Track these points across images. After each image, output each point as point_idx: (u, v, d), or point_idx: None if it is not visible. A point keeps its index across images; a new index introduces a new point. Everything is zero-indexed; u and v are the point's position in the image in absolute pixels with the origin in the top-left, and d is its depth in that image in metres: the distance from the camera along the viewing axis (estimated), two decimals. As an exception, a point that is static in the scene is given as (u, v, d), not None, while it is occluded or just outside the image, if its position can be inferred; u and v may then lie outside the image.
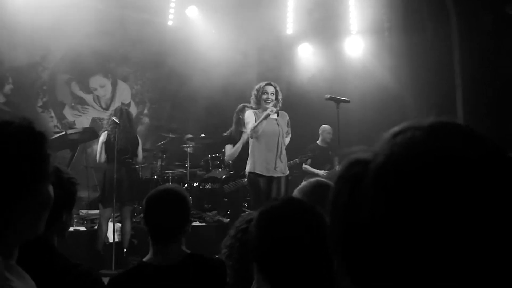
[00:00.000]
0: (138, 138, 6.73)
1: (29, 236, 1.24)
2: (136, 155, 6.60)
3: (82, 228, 6.87)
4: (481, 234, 0.60)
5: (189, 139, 8.59)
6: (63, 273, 1.91)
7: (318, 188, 2.37)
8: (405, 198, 0.61)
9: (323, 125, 8.10)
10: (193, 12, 9.73)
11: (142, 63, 10.12)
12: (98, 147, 6.40)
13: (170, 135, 8.52)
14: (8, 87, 7.02)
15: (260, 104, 5.86)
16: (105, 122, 6.53)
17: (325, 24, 9.00)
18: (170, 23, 9.69)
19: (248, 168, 5.84)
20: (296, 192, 2.46)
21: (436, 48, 7.72)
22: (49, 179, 1.27)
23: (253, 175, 5.76)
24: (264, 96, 5.81)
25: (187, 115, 10.13)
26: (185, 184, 8.12)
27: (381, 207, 0.63)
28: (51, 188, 1.28)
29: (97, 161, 6.46)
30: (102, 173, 6.52)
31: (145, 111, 10.21)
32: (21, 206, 1.18)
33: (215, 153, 8.38)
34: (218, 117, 9.67)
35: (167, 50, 9.64)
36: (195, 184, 8.06)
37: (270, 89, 5.85)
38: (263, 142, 5.79)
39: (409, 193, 0.61)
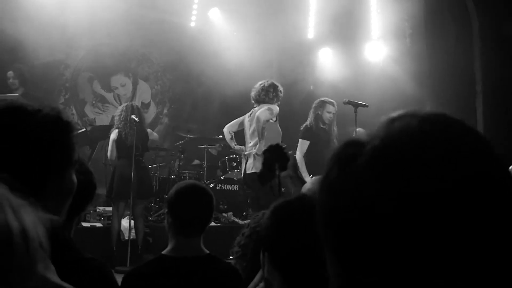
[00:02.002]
0: (149, 132, 6.82)
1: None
2: (146, 151, 6.70)
3: (99, 225, 6.95)
4: (475, 226, 0.59)
5: (216, 140, 8.66)
6: (75, 266, 1.94)
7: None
8: (397, 182, 0.60)
9: (358, 129, 7.84)
10: (215, 14, 9.80)
11: (163, 64, 10.21)
12: (110, 145, 6.46)
13: (189, 135, 8.58)
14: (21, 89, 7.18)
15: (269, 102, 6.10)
16: (116, 119, 6.57)
17: (346, 29, 8.99)
18: (192, 24, 9.76)
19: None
20: (305, 189, 2.48)
21: (457, 54, 7.66)
22: (73, 167, 1.31)
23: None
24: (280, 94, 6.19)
25: (206, 116, 10.18)
26: (202, 185, 8.16)
27: (372, 188, 0.62)
28: (74, 176, 1.32)
29: (108, 158, 6.56)
30: (112, 169, 6.61)
31: (165, 111, 10.29)
32: (47, 191, 1.21)
33: (232, 155, 8.42)
34: (237, 118, 9.70)
35: (188, 51, 9.71)
36: (211, 185, 8.10)
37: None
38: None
39: (402, 178, 0.60)
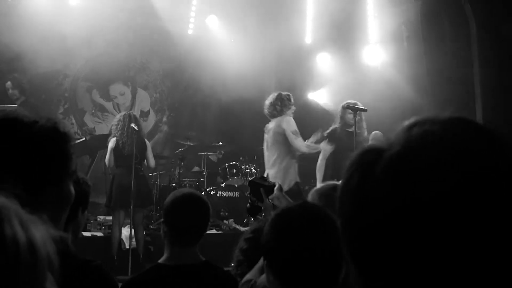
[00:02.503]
0: (147, 143, 6.76)
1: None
2: (143, 160, 6.65)
3: (99, 234, 6.93)
4: (491, 235, 0.58)
5: (215, 147, 8.66)
6: (74, 268, 1.94)
7: (334, 191, 2.38)
8: (417, 190, 0.60)
9: (375, 132, 7.65)
10: (213, 22, 9.82)
11: (162, 72, 10.22)
12: (108, 153, 6.46)
13: (188, 143, 8.57)
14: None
15: (285, 114, 6.09)
16: (113, 128, 6.56)
17: (344, 34, 9.00)
18: (190, 32, 9.78)
19: (295, 178, 5.95)
20: (314, 193, 2.47)
21: (455, 57, 7.66)
22: (71, 177, 1.31)
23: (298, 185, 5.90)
24: (293, 107, 6.18)
25: (205, 123, 10.19)
26: (202, 192, 8.15)
27: (391, 196, 0.61)
28: (72, 187, 1.32)
29: (106, 166, 6.57)
30: (111, 178, 6.60)
31: (164, 119, 10.29)
32: (44, 201, 1.21)
33: (233, 161, 8.42)
34: (236, 125, 9.72)
35: (186, 58, 9.73)
36: (212, 192, 8.09)
37: None
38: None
39: (422, 186, 0.60)
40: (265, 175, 5.45)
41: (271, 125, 6.13)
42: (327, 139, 6.11)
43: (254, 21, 9.43)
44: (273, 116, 6.10)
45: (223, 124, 9.99)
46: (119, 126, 6.46)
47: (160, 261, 2.37)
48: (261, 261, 2.05)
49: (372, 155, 0.66)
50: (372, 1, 9.15)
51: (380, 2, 8.85)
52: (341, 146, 5.98)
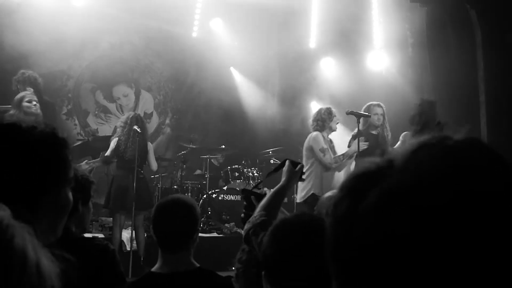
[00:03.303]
0: (149, 145, 6.72)
1: (48, 240, 1.26)
2: (145, 163, 6.63)
3: (100, 235, 6.91)
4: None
5: (218, 150, 8.65)
6: (80, 243, 2.01)
7: None
8: (416, 241, 0.54)
9: (406, 133, 6.92)
10: (217, 24, 9.83)
11: (165, 74, 10.22)
12: (108, 151, 6.45)
13: (191, 146, 8.57)
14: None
15: (329, 127, 6.03)
16: (118, 130, 6.55)
17: (348, 39, 8.99)
18: (194, 34, 9.79)
19: (311, 190, 5.85)
20: (327, 199, 2.46)
21: (460, 64, 7.64)
22: (69, 184, 1.30)
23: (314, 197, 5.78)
24: (336, 119, 6.06)
25: (207, 126, 10.18)
26: (204, 195, 8.14)
27: (379, 234, 0.56)
28: (70, 193, 1.30)
29: (107, 154, 6.54)
30: (110, 179, 6.59)
31: (167, 121, 10.29)
32: (42, 208, 1.20)
33: (235, 165, 8.40)
34: (238, 129, 9.72)
35: (190, 61, 9.73)
36: (214, 195, 8.08)
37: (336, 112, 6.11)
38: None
39: (422, 237, 0.54)
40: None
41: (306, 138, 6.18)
42: (354, 142, 5.94)
43: (258, 25, 9.43)
44: (316, 130, 6.06)
45: (226, 127, 9.98)
46: (125, 130, 6.44)
47: (153, 269, 2.36)
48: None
49: (366, 182, 0.60)
50: (377, 6, 9.14)
51: (385, 8, 8.84)
52: (367, 150, 5.78)
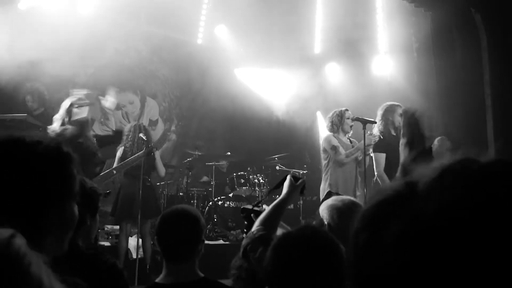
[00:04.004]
0: (156, 152, 6.70)
1: (53, 253, 1.26)
2: (152, 170, 6.63)
3: (107, 243, 6.92)
4: None
5: (223, 157, 8.66)
6: (87, 259, 2.00)
7: (353, 210, 2.35)
8: (441, 276, 0.51)
9: (441, 137, 6.89)
10: (222, 31, 9.85)
11: (170, 81, 10.24)
12: (115, 162, 6.45)
13: (196, 153, 8.57)
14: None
15: (341, 129, 6.11)
16: (123, 138, 6.56)
17: (353, 44, 8.99)
18: (199, 41, 9.81)
19: (328, 189, 5.93)
20: (332, 209, 2.44)
21: (465, 68, 7.61)
22: (74, 198, 1.30)
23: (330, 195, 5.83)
24: (349, 121, 6.11)
25: (213, 132, 10.19)
26: (210, 202, 8.13)
27: (403, 269, 0.54)
28: (76, 207, 1.30)
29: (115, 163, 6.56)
30: (118, 187, 6.59)
31: (172, 128, 10.30)
32: (47, 222, 1.20)
33: (240, 172, 8.39)
34: (244, 135, 9.71)
35: (195, 68, 9.75)
36: (220, 202, 8.07)
37: (350, 114, 6.14)
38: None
39: (447, 272, 0.51)
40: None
41: None
42: (374, 150, 5.73)
43: (262, 31, 9.44)
44: (332, 131, 6.18)
45: (231, 134, 9.98)
46: (129, 137, 6.46)
47: (157, 280, 2.35)
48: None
49: (388, 210, 0.57)
50: (382, 11, 9.14)
51: (390, 13, 8.83)
52: (391, 153, 5.47)
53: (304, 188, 2.58)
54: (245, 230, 2.68)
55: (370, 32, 9.18)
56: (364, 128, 5.75)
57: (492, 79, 7.40)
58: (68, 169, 1.26)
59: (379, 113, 5.92)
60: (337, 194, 5.92)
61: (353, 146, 6.14)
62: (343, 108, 6.22)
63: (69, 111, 5.34)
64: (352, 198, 2.63)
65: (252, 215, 2.57)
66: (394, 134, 5.80)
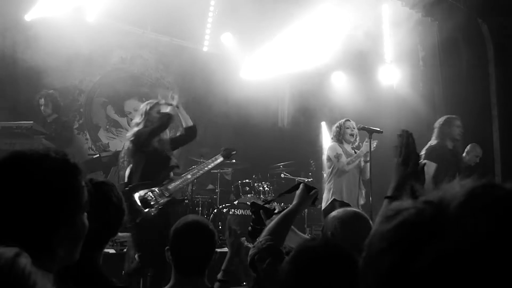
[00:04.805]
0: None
1: (65, 264, 1.26)
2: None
3: (112, 251, 6.90)
4: None
5: (228, 164, 8.63)
6: (97, 281, 1.92)
7: (356, 220, 2.34)
8: None
9: (473, 144, 6.89)
10: (228, 39, 9.86)
11: (176, 88, 10.25)
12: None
13: (201, 160, 8.55)
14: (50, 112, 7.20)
15: (343, 139, 6.24)
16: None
17: (359, 53, 8.98)
18: (205, 49, 9.83)
19: (332, 196, 6.02)
20: (334, 220, 2.42)
21: (472, 78, 7.60)
22: (84, 210, 1.29)
23: (340, 203, 5.90)
24: (349, 131, 6.23)
25: (218, 140, 10.17)
26: (215, 209, 8.11)
27: None
28: (85, 218, 1.30)
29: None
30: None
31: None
32: (59, 237, 1.20)
33: (245, 179, 8.38)
34: (249, 143, 9.70)
35: (200, 75, 9.76)
36: (225, 210, 8.05)
37: (351, 124, 6.27)
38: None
39: None
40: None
41: None
42: (426, 158, 5.68)
43: (268, 39, 9.45)
44: (337, 142, 6.30)
45: (236, 142, 9.97)
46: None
47: None
48: None
49: (415, 236, 0.55)
50: (388, 20, 9.14)
51: (396, 22, 8.82)
52: (443, 166, 5.49)
53: (316, 199, 2.55)
54: (251, 224, 2.66)
55: (377, 41, 9.17)
56: (370, 137, 5.75)
57: (498, 89, 7.39)
58: (76, 182, 1.25)
59: (437, 126, 6.01)
60: (342, 202, 5.93)
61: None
62: (343, 119, 6.36)
63: (147, 113, 5.27)
64: (355, 209, 2.62)
65: (261, 211, 2.55)
66: (450, 149, 5.86)
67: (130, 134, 5.27)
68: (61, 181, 1.22)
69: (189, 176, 5.67)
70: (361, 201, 6.07)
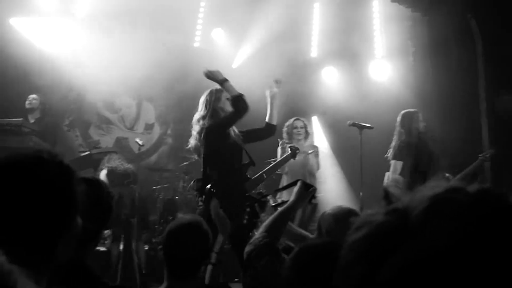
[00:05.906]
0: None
1: (59, 263, 1.25)
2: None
3: (102, 248, 6.89)
4: None
5: None
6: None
7: (350, 217, 2.35)
8: None
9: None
10: (219, 35, 9.83)
11: (167, 84, 10.20)
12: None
13: (193, 157, 8.53)
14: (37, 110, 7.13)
15: (292, 138, 6.36)
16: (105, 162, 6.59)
17: (350, 48, 9.00)
18: (196, 44, 9.80)
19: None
20: (328, 217, 2.43)
21: (461, 73, 7.65)
22: (78, 211, 1.29)
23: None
24: (295, 131, 6.35)
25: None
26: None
27: None
28: (79, 219, 1.30)
29: None
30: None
31: (168, 131, 10.27)
32: (60, 241, 1.20)
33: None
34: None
35: (191, 71, 9.71)
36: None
37: (300, 123, 6.39)
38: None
39: None
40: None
41: None
42: (392, 157, 5.62)
43: (259, 34, 9.43)
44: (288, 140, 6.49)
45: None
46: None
47: None
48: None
49: (379, 246, 0.55)
50: (379, 16, 9.16)
51: (387, 17, 8.85)
52: (411, 162, 5.41)
53: (313, 197, 2.54)
54: (245, 217, 2.65)
55: (367, 36, 9.19)
56: (360, 134, 5.76)
57: (487, 83, 7.44)
58: (72, 185, 1.24)
59: (398, 121, 5.82)
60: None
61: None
62: (293, 119, 6.55)
63: (210, 101, 4.91)
64: (350, 207, 2.64)
65: (256, 204, 2.54)
66: (415, 141, 5.63)
67: (197, 129, 4.91)
68: (60, 189, 1.21)
69: (264, 176, 5.30)
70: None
